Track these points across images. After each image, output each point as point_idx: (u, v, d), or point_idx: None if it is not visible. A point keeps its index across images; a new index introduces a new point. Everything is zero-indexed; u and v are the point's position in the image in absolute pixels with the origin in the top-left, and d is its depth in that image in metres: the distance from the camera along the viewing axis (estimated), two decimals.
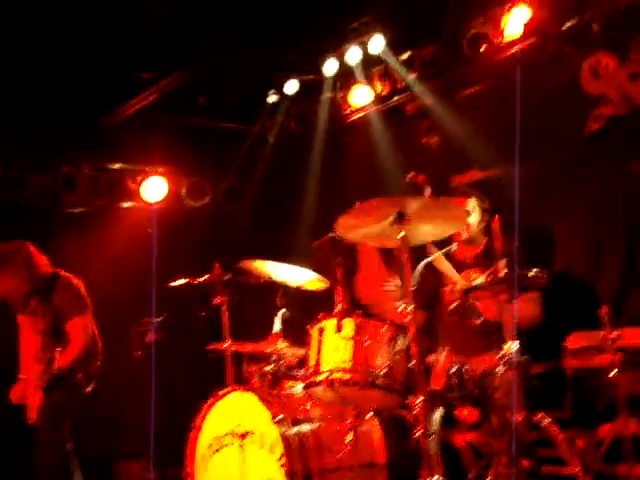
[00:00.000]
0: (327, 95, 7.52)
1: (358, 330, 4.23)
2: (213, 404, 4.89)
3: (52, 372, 5.25)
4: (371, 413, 4.79)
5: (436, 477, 3.86)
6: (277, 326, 5.22)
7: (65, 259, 6.08)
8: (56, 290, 5.48)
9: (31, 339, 5.57)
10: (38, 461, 5.32)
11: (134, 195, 7.86)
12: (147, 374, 7.16)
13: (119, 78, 6.89)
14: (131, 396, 7.25)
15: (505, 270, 4.34)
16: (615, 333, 4.48)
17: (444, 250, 5.08)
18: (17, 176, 7.07)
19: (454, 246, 5.25)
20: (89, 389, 5.45)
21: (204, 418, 4.90)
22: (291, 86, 7.43)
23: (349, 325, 4.25)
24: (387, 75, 7.20)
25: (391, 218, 4.06)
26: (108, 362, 6.71)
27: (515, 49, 6.13)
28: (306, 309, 4.94)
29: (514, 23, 6.10)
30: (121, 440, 7.38)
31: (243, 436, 4.69)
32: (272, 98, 7.65)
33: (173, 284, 5.51)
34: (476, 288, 4.70)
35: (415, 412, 3.99)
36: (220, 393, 4.90)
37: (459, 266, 5.21)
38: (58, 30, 5.99)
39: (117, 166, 7.81)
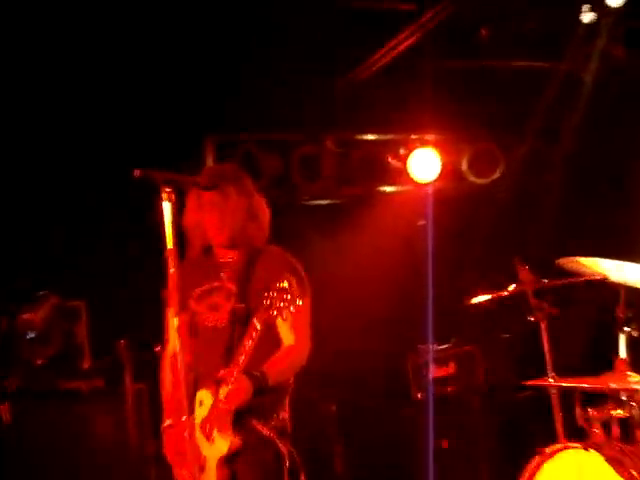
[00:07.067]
0: None
1: None
2: (540, 465, 3.03)
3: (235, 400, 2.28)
4: None
5: None
6: (622, 350, 3.23)
7: (308, 263, 3.08)
8: (261, 260, 2.68)
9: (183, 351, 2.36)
10: None
11: (397, 176, 4.92)
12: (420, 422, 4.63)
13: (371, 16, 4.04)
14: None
15: None
16: None
17: None
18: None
19: None
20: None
21: None
22: None
23: None
24: None
25: None
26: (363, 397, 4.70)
27: None
28: None
29: None
30: None
31: None
32: (587, 17, 4.37)
33: (472, 301, 3.34)
34: None
35: None
36: (548, 450, 3.09)
37: None
38: None
39: (370, 137, 4.85)
